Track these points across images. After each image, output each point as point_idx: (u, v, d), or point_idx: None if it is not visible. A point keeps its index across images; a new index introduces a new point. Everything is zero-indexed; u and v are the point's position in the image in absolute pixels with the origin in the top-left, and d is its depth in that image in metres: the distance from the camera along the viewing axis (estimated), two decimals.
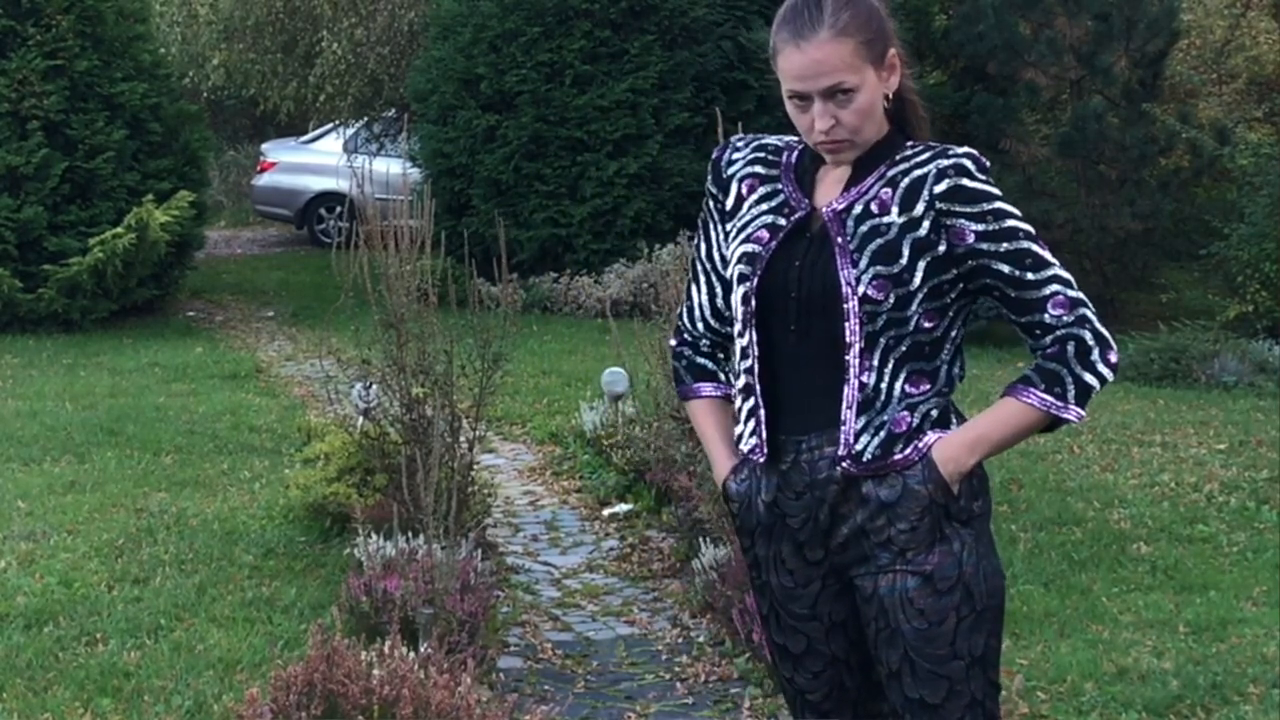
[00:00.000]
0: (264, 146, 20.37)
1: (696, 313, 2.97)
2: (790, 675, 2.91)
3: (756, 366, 2.78)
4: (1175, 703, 4.77)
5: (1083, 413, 2.71)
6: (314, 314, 13.72)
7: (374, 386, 6.23)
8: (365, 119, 17.88)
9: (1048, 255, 2.70)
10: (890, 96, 2.72)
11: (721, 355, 2.98)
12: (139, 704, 4.69)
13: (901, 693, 2.76)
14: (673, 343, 3.04)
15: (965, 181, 2.67)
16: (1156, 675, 4.97)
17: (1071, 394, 2.69)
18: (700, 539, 5.84)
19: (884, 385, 2.71)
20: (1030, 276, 2.69)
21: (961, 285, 2.72)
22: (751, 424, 2.80)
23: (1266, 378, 10.88)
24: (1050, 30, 15.09)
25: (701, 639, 5.40)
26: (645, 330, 7.14)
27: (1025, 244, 2.69)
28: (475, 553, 5.60)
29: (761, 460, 2.80)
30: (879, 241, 2.68)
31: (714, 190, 2.89)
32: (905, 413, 2.71)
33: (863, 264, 2.67)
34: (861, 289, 2.67)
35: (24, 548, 6.30)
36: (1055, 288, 2.69)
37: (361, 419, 6.47)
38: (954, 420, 2.77)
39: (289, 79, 17.87)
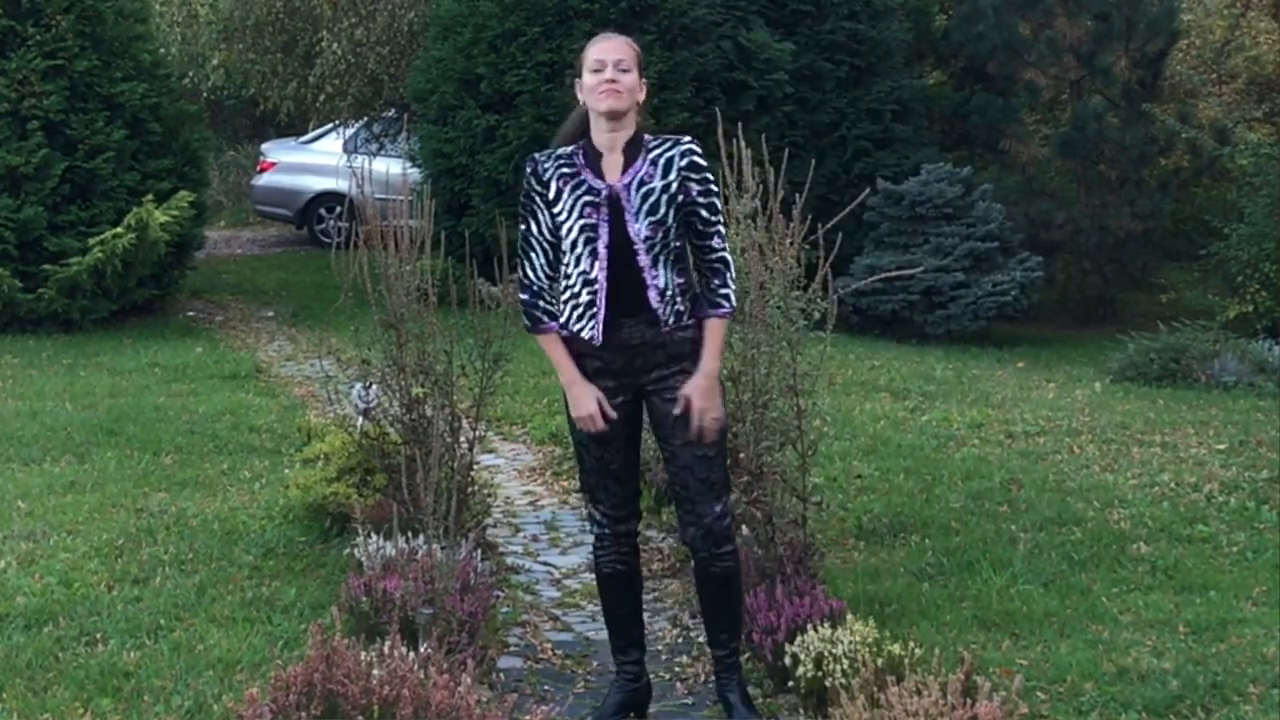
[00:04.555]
0: (264, 146, 20.36)
1: (539, 271, 4.59)
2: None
3: (604, 283, 4.51)
4: (1175, 703, 4.77)
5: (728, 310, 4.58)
6: (314, 314, 13.73)
7: (374, 386, 6.23)
8: (365, 119, 17.86)
9: (720, 213, 4.58)
10: (640, 107, 4.56)
11: (552, 301, 4.60)
12: (139, 704, 4.69)
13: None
14: (524, 296, 4.58)
15: (696, 158, 4.51)
16: (1156, 675, 4.97)
17: (724, 303, 4.56)
18: None
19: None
20: (713, 219, 4.54)
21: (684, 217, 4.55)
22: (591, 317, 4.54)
23: (1266, 378, 10.88)
24: (1050, 30, 15.09)
25: (701, 639, 5.39)
26: None
27: (715, 200, 4.55)
28: (475, 553, 5.60)
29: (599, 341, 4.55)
30: (651, 200, 4.48)
31: (538, 187, 4.56)
32: (680, 295, 4.54)
33: (642, 216, 4.48)
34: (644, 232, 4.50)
35: (24, 548, 6.30)
36: (720, 229, 4.56)
37: (361, 419, 6.47)
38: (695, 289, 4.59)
39: (289, 79, 17.84)
